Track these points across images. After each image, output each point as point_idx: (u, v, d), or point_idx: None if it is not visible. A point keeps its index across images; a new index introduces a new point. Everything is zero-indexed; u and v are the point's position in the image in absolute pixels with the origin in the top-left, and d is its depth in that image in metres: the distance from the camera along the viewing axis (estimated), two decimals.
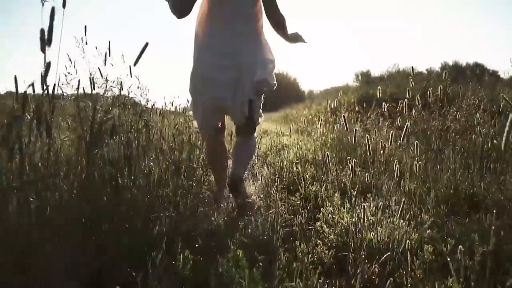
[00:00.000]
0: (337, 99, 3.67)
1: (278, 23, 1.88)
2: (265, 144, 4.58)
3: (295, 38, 1.92)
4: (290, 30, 1.92)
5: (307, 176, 2.73)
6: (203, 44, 1.80)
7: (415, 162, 1.34)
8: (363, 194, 2.15)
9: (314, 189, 2.23)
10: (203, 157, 3.09)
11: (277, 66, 1.89)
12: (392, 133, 1.33)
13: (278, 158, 3.69)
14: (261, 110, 1.98)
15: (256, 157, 3.63)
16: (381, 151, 1.44)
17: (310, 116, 5.44)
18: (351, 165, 1.30)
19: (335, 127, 3.50)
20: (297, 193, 2.31)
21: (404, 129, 1.29)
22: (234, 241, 1.34)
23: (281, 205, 1.85)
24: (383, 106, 2.16)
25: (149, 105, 3.05)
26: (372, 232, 1.27)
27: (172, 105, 2.75)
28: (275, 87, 1.89)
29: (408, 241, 1.25)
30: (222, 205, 1.90)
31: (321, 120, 3.64)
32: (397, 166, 1.32)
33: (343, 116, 1.45)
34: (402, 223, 1.31)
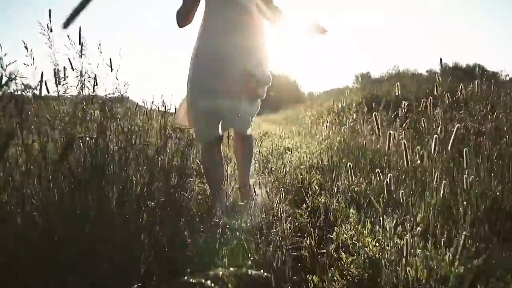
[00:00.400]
0: (344, 99, 3.37)
1: (277, 16, 1.81)
2: (266, 147, 4.28)
3: (311, 30, 1.79)
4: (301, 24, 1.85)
5: (313, 184, 2.44)
6: (203, 41, 1.75)
7: (466, 176, 1.05)
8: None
9: (323, 200, 1.93)
10: (197, 163, 2.80)
11: (277, 68, 1.91)
12: (435, 138, 1.04)
13: (281, 163, 3.40)
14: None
15: (256, 162, 3.34)
16: (418, 161, 1.14)
17: (313, 117, 5.15)
18: (386, 180, 1.01)
19: (342, 129, 3.21)
20: (304, 205, 2.02)
21: (453, 134, 1.00)
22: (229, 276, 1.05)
23: (286, 221, 1.56)
24: (403, 105, 1.87)
25: (145, 105, 2.77)
26: (408, 267, 0.98)
27: (163, 105, 2.45)
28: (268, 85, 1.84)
29: (454, 277, 0.95)
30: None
31: (327, 122, 3.35)
32: (443, 181, 1.02)
33: (374, 115, 1.16)
34: (443, 252, 1.02)
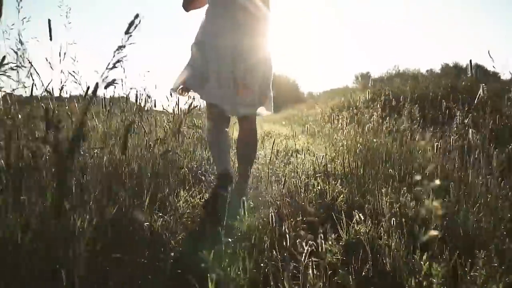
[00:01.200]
0: (370, 92, 2.76)
1: None
2: (270, 148, 3.65)
3: None
4: None
5: (339, 201, 1.83)
6: (204, 38, 1.76)
7: None
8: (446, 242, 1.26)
9: (362, 230, 1.32)
10: (184, 172, 2.18)
11: (277, 68, 1.78)
12: None
13: (291, 168, 2.79)
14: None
15: (260, 166, 2.73)
16: None
17: (320, 116, 4.55)
18: None
19: (365, 127, 2.60)
20: (334, 234, 1.41)
21: None
22: None
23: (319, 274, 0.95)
24: (481, 91, 1.27)
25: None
26: None
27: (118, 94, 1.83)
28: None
29: None
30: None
31: (345, 118, 2.74)
32: None
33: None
34: None
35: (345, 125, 2.66)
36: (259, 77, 1.74)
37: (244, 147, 1.88)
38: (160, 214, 1.54)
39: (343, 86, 16.71)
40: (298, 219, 1.61)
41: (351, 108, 3.03)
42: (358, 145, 2.50)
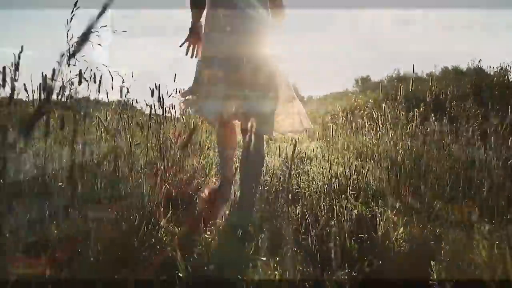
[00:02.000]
0: (412, 85, 2.15)
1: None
2: (275, 153, 3.02)
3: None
4: None
5: (396, 236, 1.22)
6: (205, 43, 1.72)
7: None
8: None
9: None
10: (166, 188, 1.55)
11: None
12: None
13: (307, 180, 2.18)
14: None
15: (268, 177, 2.11)
16: None
17: (340, 113, 3.96)
18: None
19: (406, 129, 2.00)
20: None
21: None
22: None
23: None
24: None
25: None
26: None
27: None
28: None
29: None
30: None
31: (381, 115, 2.13)
32: None
33: None
34: None
35: (380, 125, 2.05)
36: (261, 83, 1.62)
37: (247, 169, 1.67)
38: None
39: (343, 90, 16.38)
40: (342, 272, 0.99)
41: (382, 104, 2.43)
42: (400, 151, 1.90)
